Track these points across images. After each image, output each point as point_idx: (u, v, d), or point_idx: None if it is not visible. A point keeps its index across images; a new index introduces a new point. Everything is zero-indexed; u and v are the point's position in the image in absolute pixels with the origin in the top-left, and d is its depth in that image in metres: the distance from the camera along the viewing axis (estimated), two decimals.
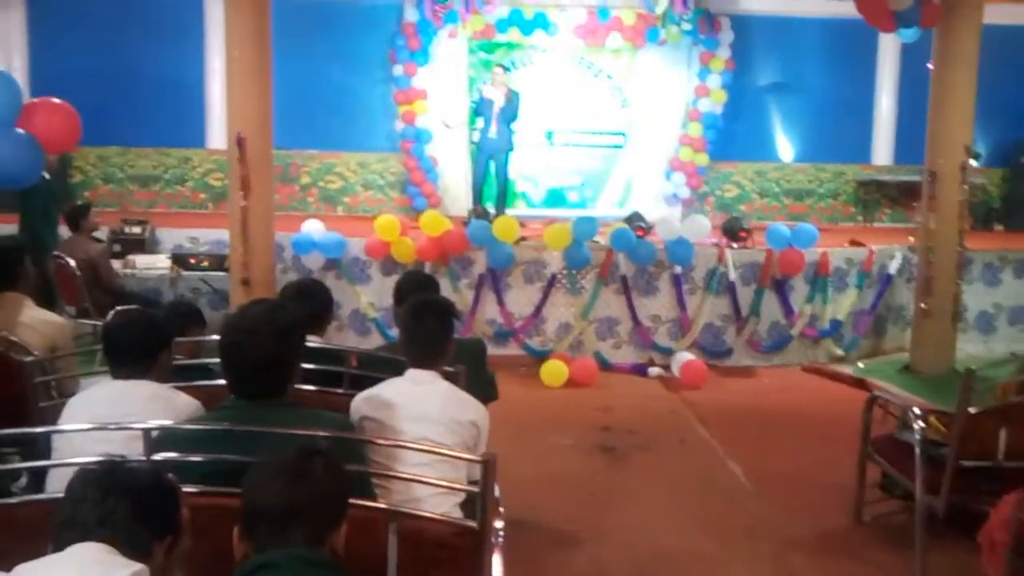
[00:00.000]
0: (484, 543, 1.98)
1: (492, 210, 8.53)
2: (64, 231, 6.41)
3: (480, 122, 8.85)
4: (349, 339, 6.84)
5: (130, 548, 1.54)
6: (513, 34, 10.00)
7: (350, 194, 10.29)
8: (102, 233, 7.11)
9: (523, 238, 7.08)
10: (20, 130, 3.33)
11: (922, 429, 3.41)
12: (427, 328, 2.66)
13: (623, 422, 5.50)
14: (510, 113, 8.52)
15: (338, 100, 9.90)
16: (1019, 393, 3.32)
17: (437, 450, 2.29)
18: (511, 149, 8.78)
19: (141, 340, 2.54)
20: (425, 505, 2.25)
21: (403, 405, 2.49)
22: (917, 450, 3.38)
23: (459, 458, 2.34)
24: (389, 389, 2.57)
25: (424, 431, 2.44)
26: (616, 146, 10.42)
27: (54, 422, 2.53)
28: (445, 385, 2.62)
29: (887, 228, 10.15)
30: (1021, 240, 8.68)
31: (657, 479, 4.57)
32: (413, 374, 2.62)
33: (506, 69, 9.06)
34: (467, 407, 2.59)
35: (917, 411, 3.51)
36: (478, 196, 8.80)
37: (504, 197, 8.79)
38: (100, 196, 9.81)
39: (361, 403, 2.54)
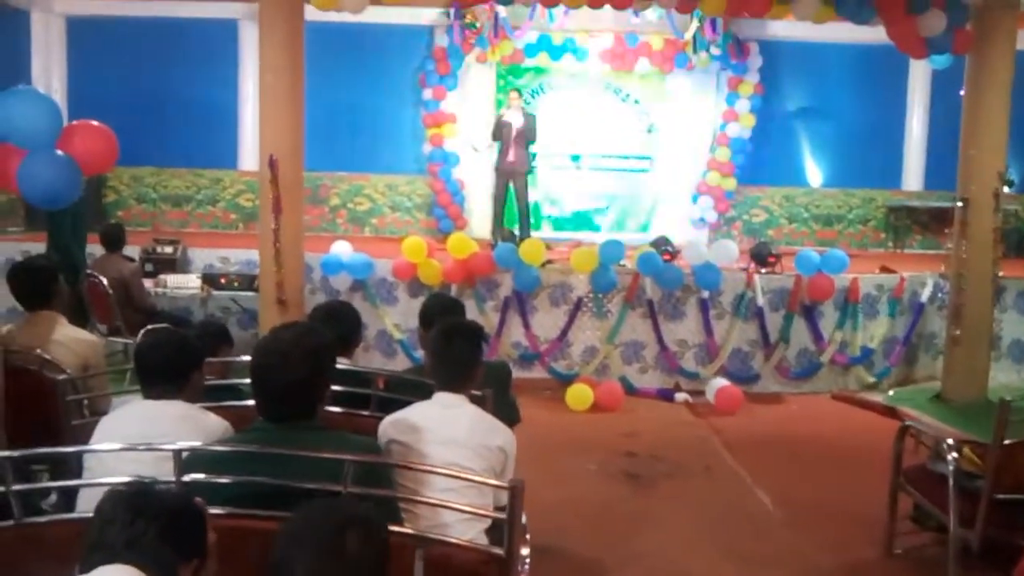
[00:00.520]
0: (511, 570, 1.96)
1: (517, 233, 8.55)
2: (97, 249, 6.52)
3: (494, 145, 8.86)
4: (375, 360, 6.87)
5: (157, 571, 1.54)
6: (541, 59, 10.08)
7: (378, 215, 10.37)
8: (134, 252, 7.22)
9: (549, 261, 7.09)
10: (60, 152, 3.40)
11: (956, 460, 3.35)
12: (456, 351, 2.66)
13: (648, 448, 5.45)
14: (528, 136, 8.57)
15: (368, 123, 10.03)
16: None
17: (464, 475, 2.28)
18: (531, 172, 8.82)
19: (172, 360, 2.56)
20: (452, 531, 2.24)
21: (430, 429, 2.49)
22: (951, 481, 3.32)
23: (486, 484, 2.33)
24: (416, 412, 2.56)
25: (451, 455, 2.43)
26: (642, 170, 10.43)
27: (86, 441, 2.55)
28: (473, 409, 2.62)
29: (918, 255, 10.02)
30: None
31: (682, 506, 4.52)
32: (441, 397, 2.61)
33: (520, 93, 9.11)
34: (495, 432, 2.59)
35: (951, 442, 3.45)
36: (499, 219, 8.83)
37: (527, 219, 8.80)
38: (133, 216, 10.00)
39: (388, 426, 2.54)
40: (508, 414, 3.64)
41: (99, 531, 1.58)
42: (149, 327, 2.80)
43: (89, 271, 6.15)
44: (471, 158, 10.04)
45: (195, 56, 9.91)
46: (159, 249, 7.63)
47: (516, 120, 8.54)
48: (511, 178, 8.65)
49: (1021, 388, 6.59)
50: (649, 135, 10.41)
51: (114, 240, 6.46)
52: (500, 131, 8.59)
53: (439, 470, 2.26)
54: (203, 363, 2.68)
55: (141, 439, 2.24)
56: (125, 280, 6.21)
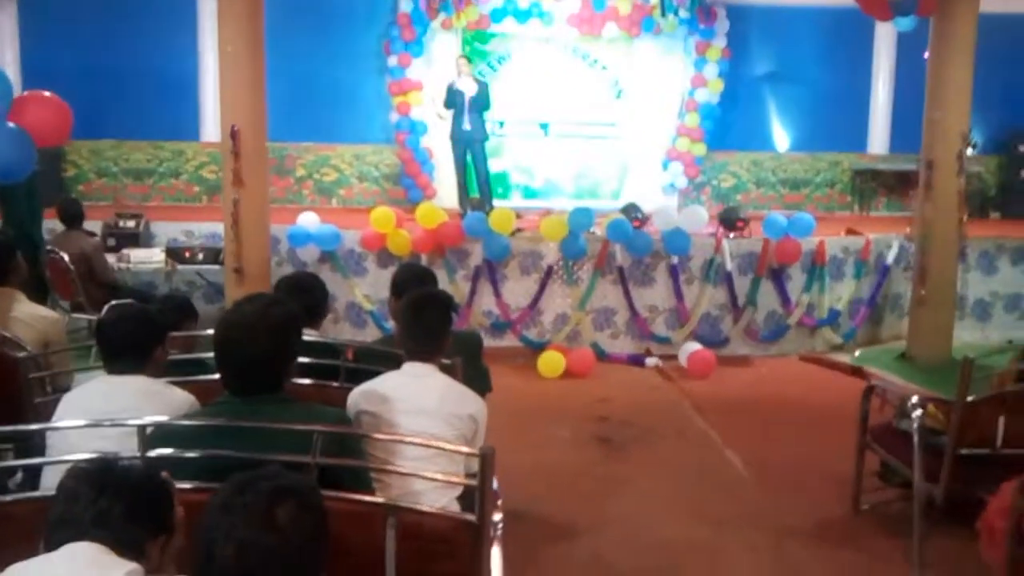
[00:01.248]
0: (483, 536, 1.97)
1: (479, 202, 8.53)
2: (57, 226, 6.38)
3: (448, 114, 8.70)
4: (345, 332, 6.83)
5: (123, 547, 1.52)
6: (508, 24, 9.97)
7: (345, 186, 10.26)
8: (95, 226, 7.08)
9: (519, 229, 7.07)
10: (11, 124, 3.29)
11: (920, 417, 3.41)
12: (426, 321, 2.65)
13: (620, 413, 5.50)
14: (482, 103, 8.48)
15: (333, 92, 9.86)
16: (1017, 381, 3.32)
17: (435, 444, 2.27)
18: (486, 139, 8.74)
19: (135, 335, 2.52)
20: (423, 499, 2.24)
21: (400, 399, 2.48)
22: (916, 438, 3.38)
23: (457, 452, 2.32)
24: (386, 383, 2.55)
25: (422, 425, 2.43)
26: (612, 137, 10.40)
27: (48, 418, 2.52)
28: (443, 378, 2.61)
29: (884, 217, 10.15)
30: (1018, 228, 8.68)
31: (655, 470, 4.57)
32: (410, 367, 2.61)
33: (469, 60, 8.98)
34: (465, 401, 2.58)
35: (915, 400, 3.51)
36: (464, 188, 8.77)
37: (487, 188, 8.74)
38: (94, 190, 9.79)
39: (358, 397, 2.52)
40: (480, 383, 3.64)
41: (64, 508, 1.55)
42: (112, 302, 2.74)
43: (49, 247, 6.01)
44: (439, 126, 9.94)
45: (153, 26, 9.65)
46: (121, 223, 7.49)
47: (468, 87, 8.45)
48: (468, 146, 8.59)
49: (984, 346, 6.72)
50: (618, 101, 10.37)
51: (72, 216, 6.31)
52: (453, 99, 8.47)
53: (409, 439, 2.26)
54: (166, 337, 2.64)
55: (104, 415, 2.21)
56: (87, 255, 6.08)
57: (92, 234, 6.60)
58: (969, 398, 3.23)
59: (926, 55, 6.65)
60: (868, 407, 3.87)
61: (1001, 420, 3.22)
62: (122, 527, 1.53)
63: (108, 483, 1.57)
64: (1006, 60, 9.49)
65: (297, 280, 3.35)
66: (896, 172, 10.32)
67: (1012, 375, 3.37)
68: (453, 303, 2.90)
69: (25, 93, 3.40)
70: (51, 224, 6.39)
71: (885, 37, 10.26)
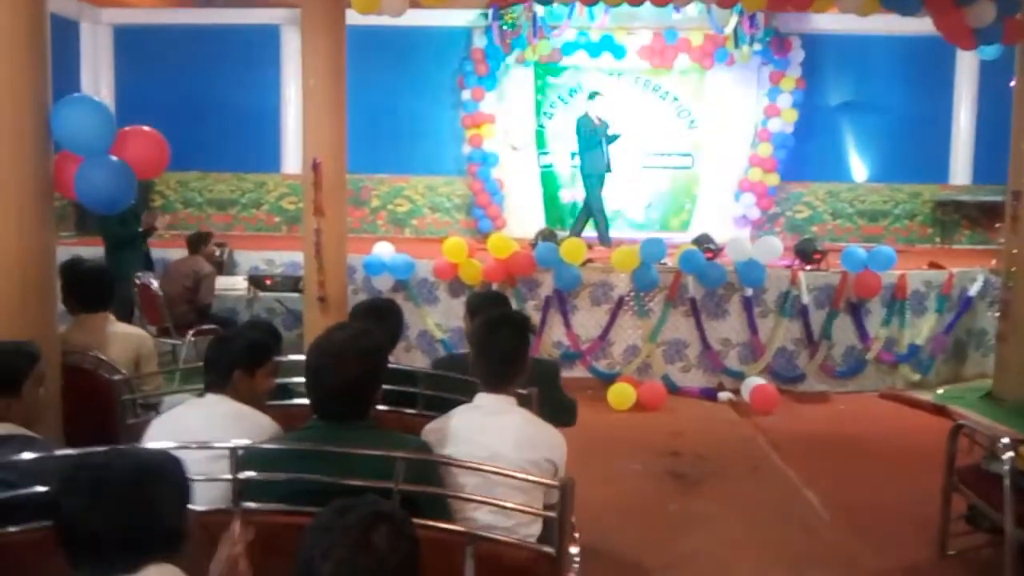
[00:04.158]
0: (560, 569, 1.97)
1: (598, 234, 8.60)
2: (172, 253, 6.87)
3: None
4: (417, 360, 6.92)
5: None
6: (580, 57, 10.07)
7: (417, 216, 10.45)
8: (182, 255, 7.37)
9: (590, 260, 7.08)
10: (114, 157, 3.47)
11: (1012, 459, 3.28)
12: (501, 343, 2.46)
13: (693, 447, 5.42)
14: (611, 137, 8.62)
15: (407, 125, 10.12)
16: None
17: (515, 474, 2.20)
18: (608, 171, 8.79)
19: (241, 357, 2.57)
20: (501, 532, 2.22)
21: (472, 442, 2.31)
22: (1006, 481, 3.25)
23: (537, 482, 2.25)
24: (457, 421, 2.39)
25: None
26: (684, 167, 10.35)
27: (139, 440, 2.60)
28: (519, 415, 2.43)
29: (967, 250, 9.80)
30: None
31: (729, 507, 4.47)
32: (483, 400, 2.43)
33: (592, 97, 8.94)
34: (543, 444, 2.38)
35: (1006, 441, 3.37)
36: (603, 223, 8.68)
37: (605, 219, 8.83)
38: (179, 219, 10.21)
39: (427, 436, 2.39)
40: (560, 416, 3.55)
41: None
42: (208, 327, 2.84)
43: (140, 274, 6.30)
44: (510, 158, 10.08)
45: (238, 62, 10.10)
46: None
47: (603, 123, 8.57)
48: (602, 179, 8.66)
49: None
50: (690, 131, 10.33)
51: (195, 242, 6.85)
52: (594, 134, 8.53)
53: (489, 468, 2.18)
54: (270, 363, 2.67)
55: (194, 438, 2.28)
56: (200, 276, 6.53)
57: (212, 259, 7.03)
58: None
59: (1012, 83, 6.45)
60: (955, 447, 3.73)
61: None
62: None
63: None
64: None
65: (374, 306, 3.40)
66: (980, 203, 9.99)
67: None
68: (530, 323, 2.71)
69: (127, 128, 3.58)
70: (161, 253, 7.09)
71: (967, 65, 10.00)
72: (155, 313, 6.28)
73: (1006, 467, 3.27)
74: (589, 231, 8.57)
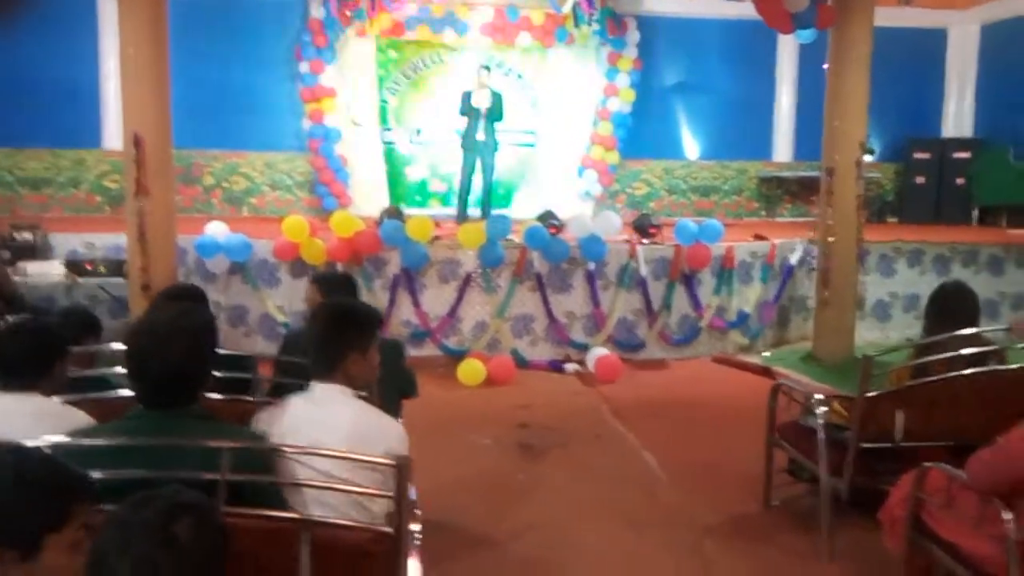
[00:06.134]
0: (401, 548, 1.94)
1: (479, 211, 8.66)
2: None
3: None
4: (258, 345, 6.66)
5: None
6: (422, 32, 9.95)
7: (256, 195, 10.03)
8: None
9: (437, 237, 7.04)
10: None
11: (825, 414, 3.54)
12: (319, 330, 2.34)
13: (541, 419, 5.53)
14: (496, 114, 8.66)
15: (242, 98, 9.64)
16: (913, 377, 3.47)
17: (349, 455, 2.10)
18: (497, 149, 8.90)
19: (32, 350, 2.39)
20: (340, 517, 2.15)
21: (301, 433, 2.15)
22: (820, 434, 3.50)
23: (371, 462, 2.13)
24: (290, 410, 2.25)
25: (325, 467, 2.09)
26: (528, 144, 10.48)
27: None
28: (354, 410, 2.26)
29: (789, 222, 10.53)
30: (914, 231, 9.13)
31: (575, 474, 4.60)
32: (315, 391, 2.27)
33: (488, 70, 8.97)
34: (377, 439, 2.20)
35: (820, 397, 3.64)
36: (464, 197, 8.83)
37: (490, 197, 8.91)
38: None
39: (260, 426, 2.26)
40: (405, 389, 3.59)
41: None
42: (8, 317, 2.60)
43: None
44: (354, 134, 9.84)
45: (51, 28, 9.26)
46: (17, 235, 7.13)
47: (483, 99, 8.59)
48: (481, 155, 8.73)
49: (884, 345, 7.03)
50: (533, 110, 10.45)
51: None
52: (468, 108, 8.62)
53: (325, 452, 2.09)
54: (67, 353, 2.51)
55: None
56: None
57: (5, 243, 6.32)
58: (870, 393, 3.36)
59: (825, 66, 6.93)
60: (775, 405, 3.98)
61: (899, 415, 3.35)
62: None
63: None
64: (901, 72, 10.01)
65: (177, 293, 3.23)
66: (800, 179, 10.74)
67: (908, 371, 3.52)
68: (358, 311, 2.47)
69: None
70: None
71: (788, 48, 10.68)
72: None
73: (820, 421, 3.52)
74: (437, 207, 8.59)
